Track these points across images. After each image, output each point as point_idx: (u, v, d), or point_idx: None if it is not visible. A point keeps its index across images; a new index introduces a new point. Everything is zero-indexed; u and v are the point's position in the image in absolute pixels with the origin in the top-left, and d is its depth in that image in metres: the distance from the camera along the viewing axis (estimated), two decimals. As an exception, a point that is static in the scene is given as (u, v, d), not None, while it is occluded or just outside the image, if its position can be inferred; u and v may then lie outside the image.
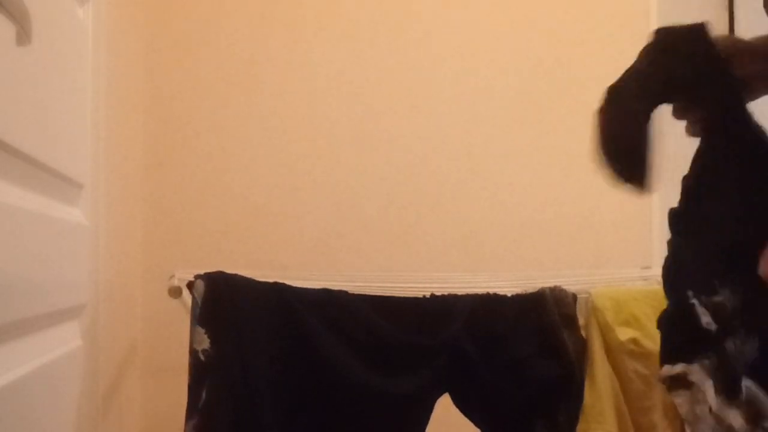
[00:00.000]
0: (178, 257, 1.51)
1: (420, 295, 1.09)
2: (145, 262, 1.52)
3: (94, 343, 1.07)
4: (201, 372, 0.97)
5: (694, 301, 0.66)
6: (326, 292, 1.04)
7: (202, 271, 1.06)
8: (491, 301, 1.10)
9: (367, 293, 1.07)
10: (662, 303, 0.98)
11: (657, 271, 0.94)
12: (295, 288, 1.03)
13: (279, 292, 1.02)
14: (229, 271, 1.07)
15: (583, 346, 1.01)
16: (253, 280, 1.04)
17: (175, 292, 1.09)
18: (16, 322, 0.72)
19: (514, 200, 1.60)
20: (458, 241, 1.59)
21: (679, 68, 0.69)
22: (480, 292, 1.11)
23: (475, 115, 1.61)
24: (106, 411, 1.14)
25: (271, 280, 1.05)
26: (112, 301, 1.21)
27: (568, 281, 1.09)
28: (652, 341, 0.98)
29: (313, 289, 1.04)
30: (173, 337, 1.31)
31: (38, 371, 0.79)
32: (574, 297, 1.06)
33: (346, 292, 1.06)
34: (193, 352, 0.99)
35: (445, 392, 1.09)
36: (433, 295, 1.09)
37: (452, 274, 1.28)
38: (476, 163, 1.60)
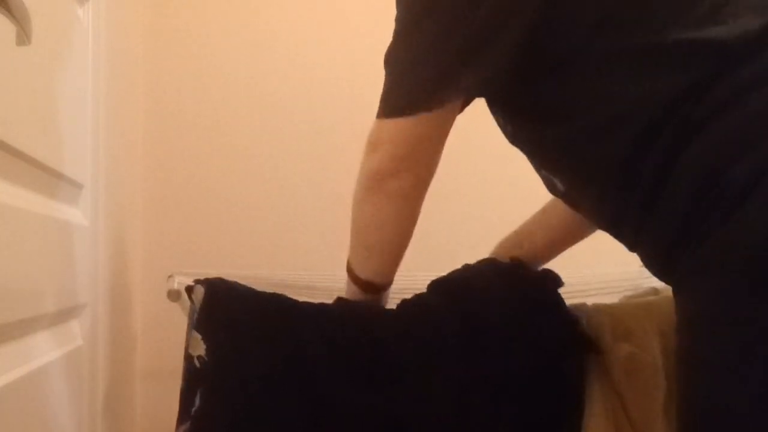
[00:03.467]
0: (178, 258, 1.51)
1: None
2: (145, 262, 1.52)
3: (94, 343, 1.07)
4: (195, 378, 0.96)
5: None
6: (323, 307, 1.02)
7: (201, 271, 1.05)
8: None
9: (368, 307, 1.04)
10: (660, 316, 0.98)
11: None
12: (293, 300, 1.02)
13: (277, 303, 1.00)
14: (228, 270, 1.07)
15: (581, 362, 0.99)
16: (253, 290, 1.02)
17: (174, 296, 1.08)
18: (16, 322, 0.72)
19: (515, 199, 1.60)
20: (459, 240, 1.59)
21: None
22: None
23: (476, 113, 1.60)
24: (106, 411, 1.14)
25: (269, 291, 1.03)
26: (112, 301, 1.21)
27: (567, 281, 1.08)
28: (650, 355, 0.96)
29: (311, 303, 1.02)
30: (173, 338, 1.31)
31: (38, 371, 0.79)
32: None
33: (343, 306, 1.03)
34: (188, 358, 0.97)
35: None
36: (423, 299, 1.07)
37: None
38: (476, 163, 1.60)
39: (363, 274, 0.94)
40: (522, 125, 0.82)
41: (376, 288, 0.96)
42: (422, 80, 0.75)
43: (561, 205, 0.97)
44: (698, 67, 0.65)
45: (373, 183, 0.85)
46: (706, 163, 0.63)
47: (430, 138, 0.80)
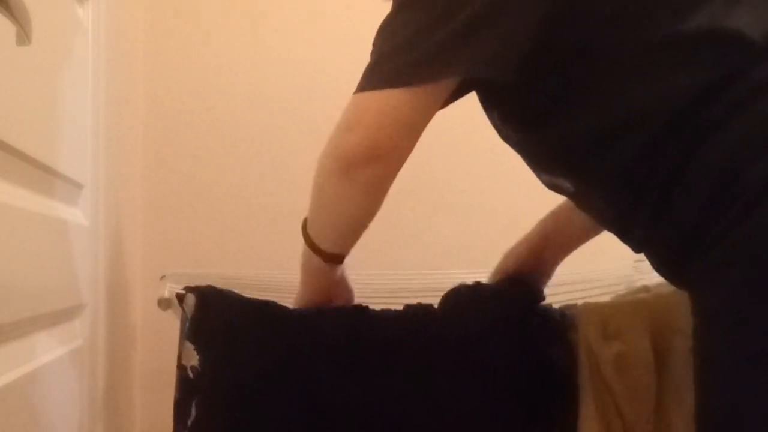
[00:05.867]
0: (178, 258, 1.51)
1: (417, 296, 1.07)
2: (145, 262, 1.52)
3: (93, 343, 1.07)
4: (189, 389, 0.95)
5: None
6: (314, 312, 1.01)
7: (199, 271, 1.04)
8: None
9: (358, 310, 1.04)
10: (650, 314, 0.98)
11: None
12: (284, 308, 1.01)
13: (268, 310, 0.99)
14: (229, 270, 1.06)
15: (573, 362, 0.99)
16: (244, 297, 1.00)
17: (165, 304, 1.04)
18: (16, 322, 0.72)
19: (514, 199, 1.60)
20: (458, 241, 1.59)
21: None
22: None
23: (475, 114, 1.61)
24: (105, 411, 1.14)
25: (270, 291, 1.02)
26: (112, 301, 1.21)
27: (561, 275, 1.08)
28: (641, 353, 0.96)
29: (303, 310, 1.01)
30: (173, 338, 1.31)
31: (38, 371, 0.79)
32: (562, 313, 1.04)
33: (336, 311, 1.02)
34: (181, 368, 0.96)
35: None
36: (420, 304, 1.06)
37: (449, 272, 1.28)
38: (476, 163, 1.60)
39: (321, 243, 0.90)
40: (522, 126, 0.81)
41: (335, 258, 0.92)
42: (422, 51, 0.71)
43: (569, 205, 0.97)
44: (715, 64, 0.64)
45: (342, 167, 0.78)
46: (723, 162, 0.62)
47: (412, 121, 0.75)
